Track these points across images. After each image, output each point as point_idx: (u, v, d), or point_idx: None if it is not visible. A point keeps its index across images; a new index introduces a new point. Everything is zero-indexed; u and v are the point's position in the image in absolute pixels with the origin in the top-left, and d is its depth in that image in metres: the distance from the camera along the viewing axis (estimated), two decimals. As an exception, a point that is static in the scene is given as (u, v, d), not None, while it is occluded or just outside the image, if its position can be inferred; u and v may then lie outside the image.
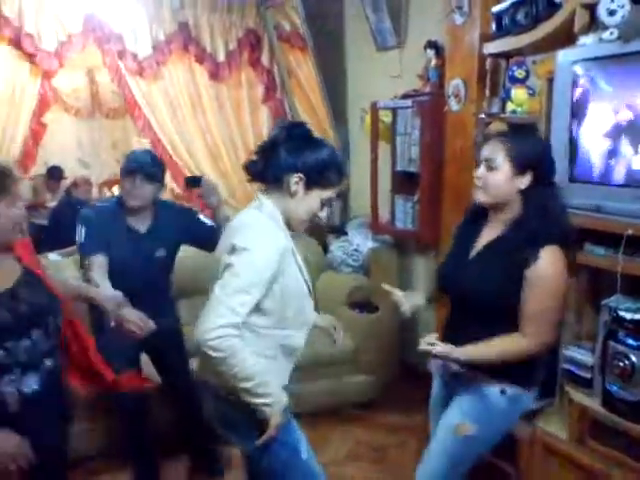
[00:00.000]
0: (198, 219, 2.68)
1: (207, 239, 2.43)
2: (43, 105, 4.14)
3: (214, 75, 4.53)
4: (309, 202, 1.75)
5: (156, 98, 4.41)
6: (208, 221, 2.70)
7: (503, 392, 1.88)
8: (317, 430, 3.20)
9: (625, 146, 2.03)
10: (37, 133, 4.15)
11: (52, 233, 4.55)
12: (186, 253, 3.23)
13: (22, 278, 1.69)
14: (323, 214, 1.82)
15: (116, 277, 2.36)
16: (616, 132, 2.06)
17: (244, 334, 1.65)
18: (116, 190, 5.99)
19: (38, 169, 5.29)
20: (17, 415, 1.63)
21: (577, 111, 2.18)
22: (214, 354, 1.59)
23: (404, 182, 3.63)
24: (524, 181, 1.83)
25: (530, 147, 1.87)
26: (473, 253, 1.96)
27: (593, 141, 2.14)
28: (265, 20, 4.59)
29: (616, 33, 2.01)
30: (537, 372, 1.97)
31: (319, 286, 3.78)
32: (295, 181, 1.72)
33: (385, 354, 3.51)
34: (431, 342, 1.84)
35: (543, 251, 1.78)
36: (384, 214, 3.78)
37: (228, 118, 4.68)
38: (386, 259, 3.73)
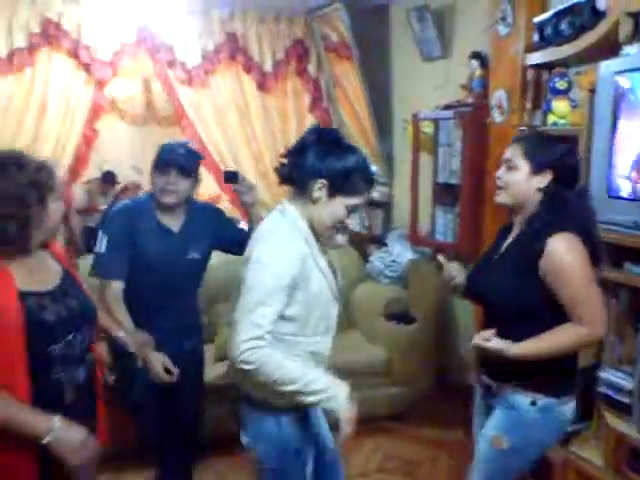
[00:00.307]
0: (232, 223, 2.61)
1: (239, 244, 2.27)
2: (96, 112, 4.29)
3: (261, 84, 4.61)
4: (333, 208, 1.72)
5: (204, 106, 4.51)
6: (241, 226, 2.66)
7: (533, 403, 1.84)
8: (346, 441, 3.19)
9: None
10: (89, 139, 4.30)
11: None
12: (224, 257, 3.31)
13: (64, 276, 1.76)
14: (351, 221, 1.79)
15: (143, 277, 2.27)
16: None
17: (272, 343, 1.65)
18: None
19: (92, 174, 5.47)
20: (69, 405, 1.69)
21: (618, 124, 2.10)
22: (246, 367, 1.60)
23: (445, 194, 3.59)
24: (542, 180, 1.82)
25: (548, 147, 1.86)
26: (497, 256, 1.95)
27: (634, 155, 2.06)
28: (312, 30, 4.63)
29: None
30: (567, 380, 1.89)
31: (357, 296, 3.78)
32: (318, 187, 1.70)
33: (420, 366, 3.46)
34: (486, 337, 1.80)
35: (553, 239, 1.73)
36: (424, 225, 3.74)
37: (274, 127, 4.75)
38: (425, 271, 3.68)
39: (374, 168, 4.43)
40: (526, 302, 1.79)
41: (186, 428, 2.55)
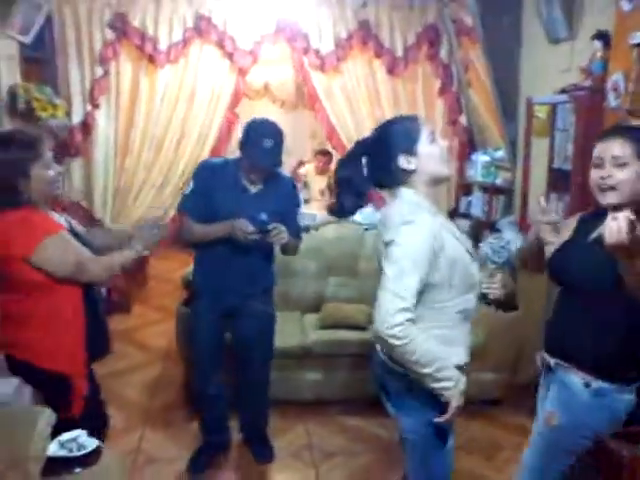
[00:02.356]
0: (295, 209, 2.79)
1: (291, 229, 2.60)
2: (237, 97, 4.73)
3: (391, 69, 4.75)
4: (426, 153, 1.79)
5: (335, 91, 4.76)
6: (300, 220, 2.84)
7: (587, 385, 1.82)
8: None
9: None
10: (230, 122, 4.76)
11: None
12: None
13: (70, 228, 2.15)
14: (442, 142, 1.86)
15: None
16: None
17: (422, 313, 1.77)
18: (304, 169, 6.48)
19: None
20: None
21: None
22: (395, 342, 1.67)
23: (560, 180, 3.47)
24: None
25: None
26: (590, 239, 1.88)
27: None
28: (444, 15, 4.65)
29: None
30: (628, 368, 1.83)
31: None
32: (404, 161, 1.79)
33: (519, 354, 3.43)
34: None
35: None
36: (538, 212, 3.65)
37: (402, 111, 4.84)
38: (534, 259, 3.59)
39: (498, 153, 4.41)
40: (613, 282, 1.71)
41: (253, 387, 2.89)
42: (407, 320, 1.67)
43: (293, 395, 3.38)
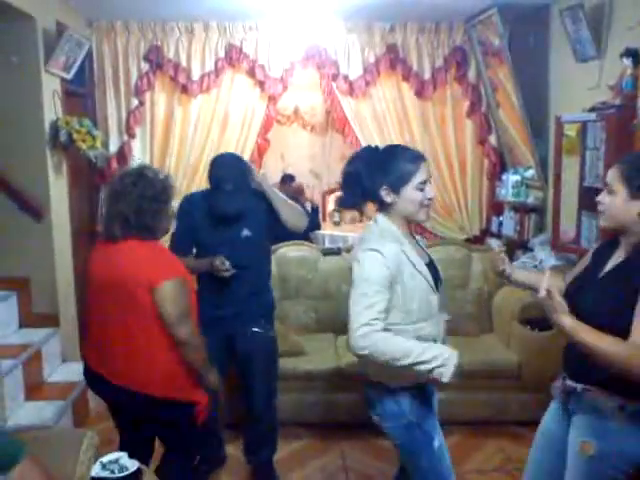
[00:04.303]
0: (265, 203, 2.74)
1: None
2: (268, 124, 4.84)
3: (419, 92, 4.80)
4: (408, 197, 1.96)
5: (364, 115, 4.83)
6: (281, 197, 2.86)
7: (622, 408, 1.77)
8: (470, 439, 3.28)
9: None
10: (262, 147, 4.87)
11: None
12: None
13: None
14: (430, 193, 1.97)
15: (208, 257, 2.64)
16: None
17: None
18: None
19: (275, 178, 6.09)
20: None
21: None
22: (362, 352, 1.84)
23: (591, 198, 3.41)
24: None
25: None
26: (600, 275, 1.90)
27: None
28: (471, 36, 4.69)
29: None
30: None
31: (496, 301, 3.81)
32: (385, 194, 1.97)
33: (555, 374, 3.38)
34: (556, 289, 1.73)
35: None
36: (570, 230, 3.63)
37: (432, 133, 4.90)
38: (568, 278, 3.57)
39: (529, 172, 4.40)
40: (622, 325, 1.72)
41: (256, 412, 2.84)
42: (368, 332, 1.83)
43: (328, 417, 3.40)
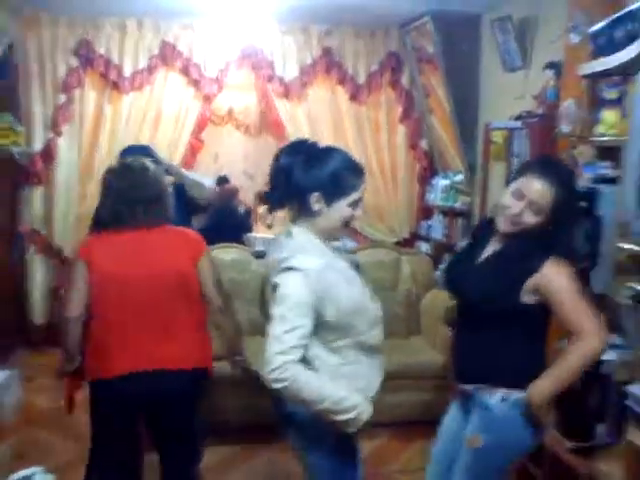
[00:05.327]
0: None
1: None
2: (202, 123, 4.77)
3: (354, 96, 4.84)
4: (338, 212, 1.76)
5: (299, 117, 4.83)
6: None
7: (504, 399, 1.87)
8: (396, 439, 3.35)
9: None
10: (195, 147, 4.79)
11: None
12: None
13: None
14: (359, 213, 1.82)
15: None
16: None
17: (319, 353, 1.77)
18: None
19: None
20: None
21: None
22: (277, 385, 1.64)
23: (517, 204, 3.57)
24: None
25: (570, 196, 1.88)
26: (481, 259, 1.97)
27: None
28: (406, 43, 4.78)
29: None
30: (535, 372, 1.87)
31: (423, 303, 3.89)
32: (315, 200, 1.74)
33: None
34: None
35: (548, 263, 1.80)
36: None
37: (366, 137, 4.95)
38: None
39: (458, 177, 4.51)
40: (507, 306, 1.85)
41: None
42: (287, 362, 1.64)
43: (253, 421, 3.31)
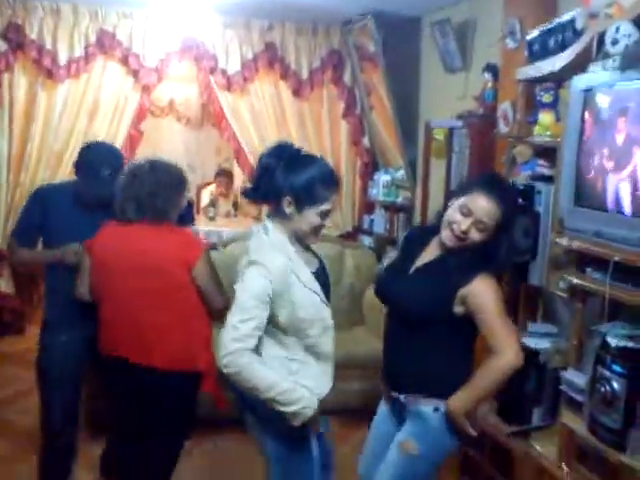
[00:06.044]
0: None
1: None
2: (141, 114, 4.67)
3: (297, 91, 4.86)
4: (307, 219, 1.86)
5: (242, 111, 4.82)
6: None
7: (436, 409, 1.95)
8: (340, 428, 3.37)
9: (616, 172, 2.05)
10: (134, 138, 4.69)
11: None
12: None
13: None
14: (328, 223, 1.95)
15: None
16: (612, 159, 2.08)
17: (273, 347, 1.86)
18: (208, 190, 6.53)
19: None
20: None
21: (583, 137, 2.21)
22: (227, 371, 1.75)
23: (456, 200, 3.70)
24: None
25: (514, 217, 2.02)
26: (413, 269, 2.04)
27: (596, 167, 2.17)
28: (347, 41, 4.85)
29: (617, 62, 2.04)
30: (464, 382, 1.96)
31: (367, 295, 3.97)
32: (287, 204, 1.84)
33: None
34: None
35: (479, 278, 1.89)
36: (437, 230, 3.87)
37: (308, 132, 4.99)
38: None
39: (399, 173, 4.62)
40: (437, 318, 1.94)
41: None
42: (240, 349, 1.74)
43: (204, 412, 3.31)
